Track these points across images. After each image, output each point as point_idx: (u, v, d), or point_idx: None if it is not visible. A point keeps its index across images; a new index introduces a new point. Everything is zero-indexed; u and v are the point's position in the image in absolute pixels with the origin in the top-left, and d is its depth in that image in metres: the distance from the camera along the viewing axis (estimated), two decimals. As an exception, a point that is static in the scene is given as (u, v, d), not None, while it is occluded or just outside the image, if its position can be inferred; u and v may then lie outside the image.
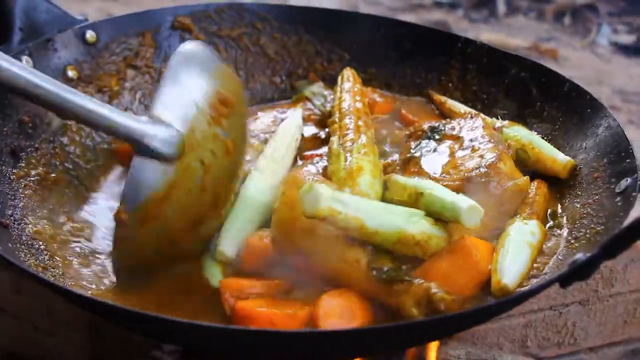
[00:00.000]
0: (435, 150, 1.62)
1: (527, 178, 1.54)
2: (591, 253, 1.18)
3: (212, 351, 1.43)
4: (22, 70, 1.32)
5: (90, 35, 1.77)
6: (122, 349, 1.69)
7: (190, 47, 1.51)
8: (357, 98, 1.74)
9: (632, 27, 4.85)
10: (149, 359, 1.63)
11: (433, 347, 1.60)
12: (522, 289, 1.32)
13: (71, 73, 1.74)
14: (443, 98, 1.86)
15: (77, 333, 1.73)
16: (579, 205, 1.50)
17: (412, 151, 1.64)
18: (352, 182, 1.48)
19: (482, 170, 1.50)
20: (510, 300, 1.24)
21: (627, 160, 1.44)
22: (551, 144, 1.67)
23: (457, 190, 1.46)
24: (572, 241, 1.41)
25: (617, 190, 1.41)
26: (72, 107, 1.33)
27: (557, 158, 1.60)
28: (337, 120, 1.67)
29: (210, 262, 1.44)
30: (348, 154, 1.54)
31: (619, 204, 1.38)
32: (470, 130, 1.63)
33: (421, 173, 1.56)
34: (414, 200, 1.42)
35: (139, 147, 1.34)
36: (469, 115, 1.69)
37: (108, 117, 1.34)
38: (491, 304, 1.31)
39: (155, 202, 1.34)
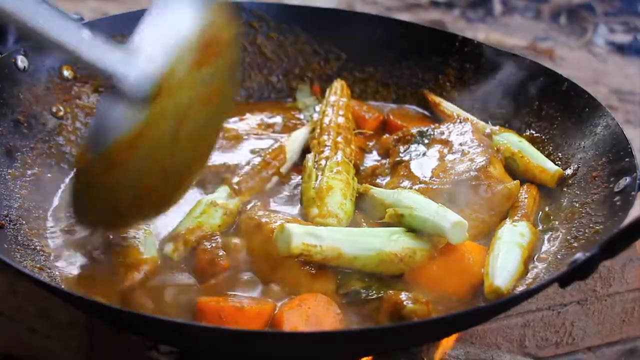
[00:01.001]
0: (424, 154, 1.62)
1: (517, 182, 1.54)
2: (590, 253, 1.18)
3: (209, 352, 1.42)
4: None
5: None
6: (118, 350, 1.68)
7: None
8: (341, 112, 1.73)
9: (629, 26, 4.86)
10: (145, 359, 1.62)
11: (440, 348, 1.59)
12: (522, 289, 1.32)
13: (67, 72, 1.73)
14: (438, 99, 1.86)
15: (74, 334, 1.72)
16: (577, 205, 1.50)
17: (401, 155, 1.64)
18: (321, 202, 1.47)
19: (473, 173, 1.50)
20: (510, 300, 1.24)
21: (626, 160, 1.44)
22: (549, 143, 1.67)
23: (448, 194, 1.47)
24: (571, 241, 1.41)
25: (615, 190, 1.41)
26: (33, 24, 1.14)
27: (545, 167, 1.60)
28: (316, 136, 1.66)
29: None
30: (320, 173, 1.53)
31: (618, 203, 1.37)
32: (460, 134, 1.63)
33: (410, 177, 1.55)
34: (395, 219, 1.42)
35: (108, 83, 1.19)
36: (458, 120, 1.69)
37: (75, 44, 1.16)
38: (492, 303, 1.31)
39: (120, 147, 1.19)
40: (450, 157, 1.58)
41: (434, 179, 1.53)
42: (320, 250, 1.31)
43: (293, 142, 1.70)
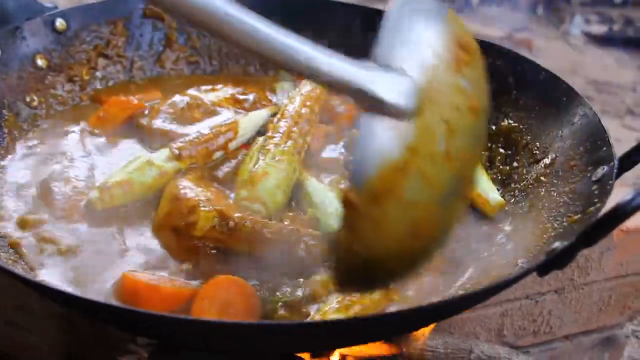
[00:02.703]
0: None
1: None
2: (568, 242, 1.18)
3: (186, 344, 1.41)
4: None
5: (59, 23, 1.74)
6: (97, 342, 1.67)
7: None
8: (308, 103, 1.70)
9: (604, 17, 4.89)
10: (124, 352, 1.61)
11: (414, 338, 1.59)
12: (500, 279, 1.32)
13: (40, 62, 1.71)
14: None
15: (52, 327, 1.70)
16: (555, 194, 1.50)
17: None
18: (252, 186, 1.46)
19: None
20: (488, 290, 1.24)
21: (603, 149, 1.44)
22: (527, 133, 1.67)
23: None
24: (549, 230, 1.41)
25: (593, 179, 1.41)
26: (276, 53, 1.03)
27: (487, 198, 1.58)
28: (274, 121, 1.65)
29: None
30: (262, 157, 1.52)
31: (596, 192, 1.37)
32: None
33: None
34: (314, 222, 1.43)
35: (366, 100, 1.02)
36: None
37: (326, 63, 1.02)
38: (470, 292, 1.31)
39: (390, 172, 1.00)
40: None
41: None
42: None
43: (249, 120, 1.67)
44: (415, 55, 1.05)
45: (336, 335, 1.21)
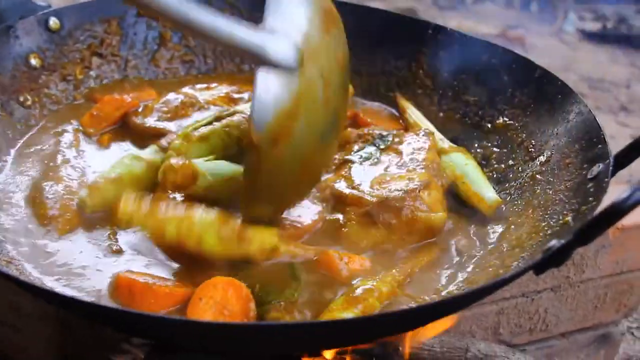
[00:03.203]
0: (374, 159, 1.60)
1: (443, 215, 1.50)
2: (565, 240, 1.17)
3: (182, 345, 1.40)
4: None
5: (53, 22, 1.73)
6: (91, 343, 1.67)
7: None
8: None
9: (598, 14, 4.90)
10: (118, 352, 1.60)
11: (410, 337, 1.59)
12: (496, 278, 1.32)
13: (34, 61, 1.70)
14: (406, 104, 1.84)
15: (45, 328, 1.70)
16: (551, 192, 1.50)
17: (351, 154, 1.63)
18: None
19: (401, 194, 1.48)
20: (485, 289, 1.24)
21: (599, 146, 1.44)
22: (522, 130, 1.67)
23: (373, 209, 1.46)
24: (545, 228, 1.41)
25: (589, 177, 1.41)
26: (187, 22, 1.24)
27: (484, 197, 1.58)
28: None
29: None
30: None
31: (592, 190, 1.37)
32: (416, 149, 1.61)
33: (347, 179, 1.54)
34: None
35: (261, 58, 1.26)
36: (422, 132, 1.67)
37: (227, 31, 1.25)
38: (466, 292, 1.31)
39: (284, 117, 1.25)
40: (394, 169, 1.56)
41: (367, 188, 1.52)
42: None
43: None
44: (295, 22, 1.30)
45: (333, 335, 1.21)
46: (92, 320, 1.45)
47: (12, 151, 1.61)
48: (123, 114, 1.71)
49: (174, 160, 1.41)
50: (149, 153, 1.53)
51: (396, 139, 1.65)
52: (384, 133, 1.67)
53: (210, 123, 1.57)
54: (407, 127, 1.79)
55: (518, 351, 1.76)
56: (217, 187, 1.43)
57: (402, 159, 1.59)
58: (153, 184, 1.49)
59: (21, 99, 1.67)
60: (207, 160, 1.46)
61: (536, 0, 4.95)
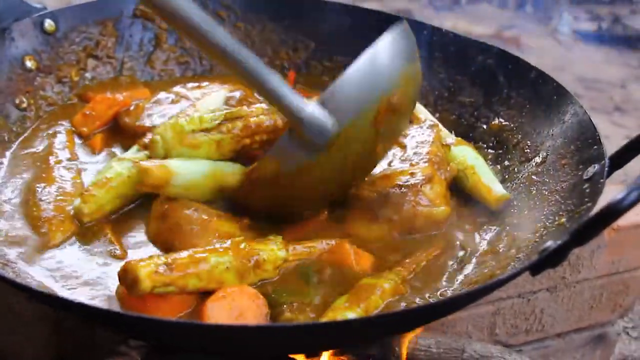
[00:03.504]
0: None
1: (445, 209, 1.51)
2: (561, 240, 1.18)
3: (179, 346, 1.40)
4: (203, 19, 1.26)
5: (48, 24, 1.73)
6: (87, 345, 1.66)
7: (401, 30, 1.41)
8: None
9: (593, 15, 4.90)
10: (115, 354, 1.60)
11: (407, 338, 1.59)
12: (493, 278, 1.32)
13: (29, 63, 1.70)
14: None
15: (41, 330, 1.69)
16: (546, 193, 1.50)
17: None
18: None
19: (402, 190, 1.49)
20: (481, 290, 1.24)
21: (594, 147, 1.44)
22: (518, 131, 1.68)
23: (374, 205, 1.47)
24: (541, 229, 1.41)
25: (584, 177, 1.41)
26: (242, 70, 1.28)
27: (493, 189, 1.58)
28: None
29: None
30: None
31: (587, 190, 1.38)
32: (420, 142, 1.61)
33: None
34: None
35: (293, 127, 1.30)
36: (426, 125, 1.67)
37: (277, 89, 1.28)
38: (463, 293, 1.31)
39: (280, 179, 1.33)
40: (396, 164, 1.56)
41: (370, 183, 1.52)
42: (174, 278, 1.27)
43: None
44: (352, 102, 1.31)
45: (331, 336, 1.21)
46: (91, 323, 1.45)
47: (8, 153, 1.61)
48: (115, 113, 1.70)
49: (145, 163, 1.41)
50: (132, 153, 1.52)
51: None
52: None
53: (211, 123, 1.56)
54: (411, 120, 1.79)
55: (514, 352, 1.76)
56: (194, 187, 1.43)
57: (405, 152, 1.59)
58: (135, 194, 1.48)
59: (17, 101, 1.67)
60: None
61: (531, 1, 4.96)
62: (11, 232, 1.41)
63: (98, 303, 1.28)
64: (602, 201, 1.20)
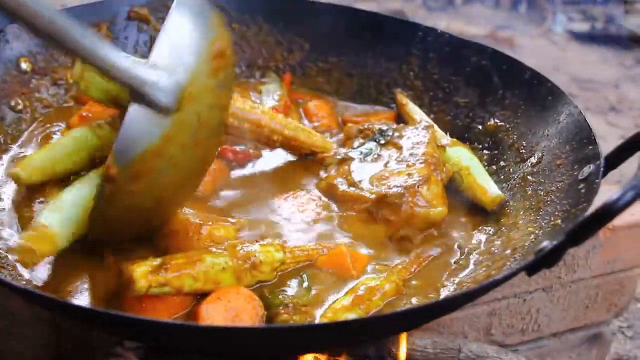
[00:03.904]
0: (374, 155, 1.61)
1: (443, 209, 1.51)
2: (557, 241, 1.18)
3: (176, 347, 1.40)
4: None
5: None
6: (84, 347, 1.66)
7: None
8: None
9: (586, 15, 4.91)
10: (111, 356, 1.60)
11: (403, 339, 1.60)
12: (489, 279, 1.32)
13: (24, 65, 1.69)
14: (405, 100, 1.85)
15: (38, 332, 1.69)
16: (542, 193, 1.50)
17: (351, 151, 1.63)
18: None
19: (400, 190, 1.49)
20: (478, 290, 1.24)
21: (590, 147, 1.45)
22: (513, 132, 1.68)
23: (372, 206, 1.48)
24: (537, 229, 1.41)
25: (580, 177, 1.41)
26: (71, 43, 1.20)
27: (488, 190, 1.58)
28: None
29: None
30: None
31: (583, 190, 1.38)
32: (415, 143, 1.62)
33: (348, 176, 1.56)
34: None
35: (137, 94, 1.23)
36: (421, 126, 1.67)
37: (108, 59, 1.22)
38: (459, 293, 1.31)
39: (149, 156, 1.23)
40: (393, 165, 1.57)
41: (366, 185, 1.53)
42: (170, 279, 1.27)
43: None
44: (183, 60, 1.26)
45: (330, 337, 1.22)
46: (88, 325, 1.45)
47: (5, 157, 1.60)
48: (112, 114, 1.70)
49: (25, 241, 1.32)
50: (78, 132, 1.53)
51: (396, 134, 1.65)
52: (384, 127, 1.68)
53: None
54: (407, 121, 1.80)
55: (510, 351, 1.76)
56: (81, 226, 1.37)
57: (401, 153, 1.60)
58: (81, 158, 1.50)
59: (12, 103, 1.67)
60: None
61: (525, 1, 4.97)
62: (8, 235, 1.41)
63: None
64: (598, 201, 1.21)
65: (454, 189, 1.61)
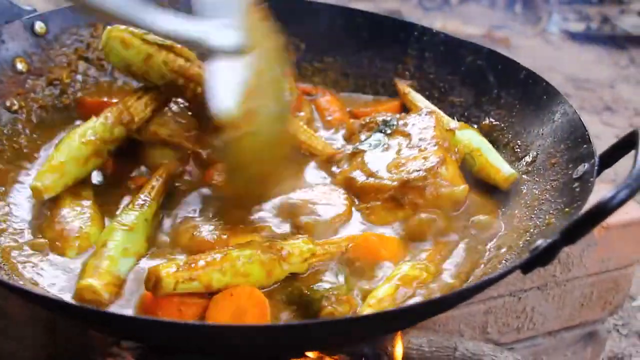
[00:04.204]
0: (384, 145, 1.62)
1: (465, 187, 1.53)
2: (551, 239, 1.18)
3: (173, 347, 1.40)
4: None
5: (39, 26, 1.73)
6: (80, 347, 1.66)
7: None
8: None
9: (582, 15, 4.92)
10: (107, 356, 1.60)
11: (399, 337, 1.60)
12: (484, 277, 1.33)
13: (20, 65, 1.69)
14: (406, 89, 1.86)
15: (33, 332, 1.69)
16: (537, 192, 1.51)
17: (360, 144, 1.64)
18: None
19: (421, 174, 1.50)
20: (473, 288, 1.25)
21: (584, 146, 1.45)
22: (509, 131, 1.69)
23: (396, 192, 1.48)
24: (532, 228, 1.42)
25: (574, 176, 1.42)
26: (130, 19, 1.33)
27: (501, 169, 1.60)
28: None
29: None
30: None
31: (577, 189, 1.39)
32: (422, 128, 1.63)
33: (363, 168, 1.56)
34: None
35: (208, 48, 1.34)
36: (424, 112, 1.68)
37: (167, 29, 1.33)
38: (455, 292, 1.32)
39: (248, 96, 1.33)
40: (406, 152, 1.58)
41: (385, 173, 1.53)
42: (195, 275, 1.27)
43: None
44: (232, 9, 1.36)
45: (335, 334, 1.22)
46: (84, 324, 1.45)
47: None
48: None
49: (93, 281, 1.30)
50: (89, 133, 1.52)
51: (400, 122, 1.66)
52: (387, 118, 1.69)
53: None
54: (410, 110, 1.80)
55: (506, 350, 1.77)
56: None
57: (411, 140, 1.60)
58: (96, 156, 1.52)
59: (7, 103, 1.67)
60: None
61: (520, 1, 4.97)
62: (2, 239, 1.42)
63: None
64: (592, 200, 1.21)
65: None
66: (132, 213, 1.42)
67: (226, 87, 1.32)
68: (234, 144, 1.35)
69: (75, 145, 1.50)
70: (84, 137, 1.51)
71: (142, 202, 1.44)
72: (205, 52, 1.35)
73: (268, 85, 1.39)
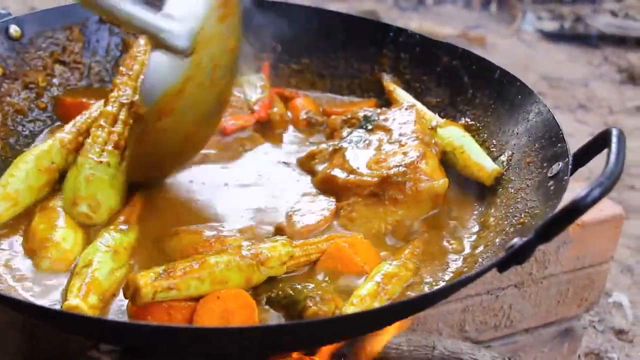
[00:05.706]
0: (365, 141, 1.63)
1: (445, 181, 1.55)
2: (527, 238, 1.20)
3: (151, 350, 1.40)
4: None
5: (14, 30, 1.71)
6: (58, 351, 1.65)
7: None
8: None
9: (555, 14, 4.97)
10: (86, 359, 1.59)
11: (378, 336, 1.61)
12: (461, 276, 1.34)
13: (-5, 69, 1.68)
14: (392, 86, 1.87)
15: (11, 337, 1.68)
16: (512, 191, 1.52)
17: (341, 141, 1.64)
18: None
19: (401, 169, 1.51)
20: (450, 287, 1.26)
21: (558, 145, 1.47)
22: (484, 130, 1.70)
23: (376, 188, 1.50)
24: (508, 226, 1.43)
25: (549, 175, 1.43)
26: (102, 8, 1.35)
27: (484, 165, 1.61)
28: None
29: None
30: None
31: (552, 188, 1.40)
32: (402, 123, 1.64)
33: (344, 165, 1.56)
34: None
35: (157, 42, 1.37)
36: (405, 106, 1.69)
37: (129, 11, 1.34)
38: (431, 291, 1.33)
39: (171, 95, 1.40)
40: (387, 147, 1.59)
41: (365, 170, 1.54)
42: (173, 283, 1.26)
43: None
44: (192, 10, 1.40)
45: (319, 334, 1.23)
46: (61, 329, 1.44)
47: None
48: None
49: (80, 303, 1.27)
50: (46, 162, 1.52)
51: (381, 117, 1.67)
52: (368, 113, 1.70)
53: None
54: (391, 102, 1.81)
55: (483, 348, 1.78)
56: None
57: (391, 135, 1.61)
58: (50, 183, 1.52)
59: (-17, 107, 1.66)
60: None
61: (495, 1, 5.01)
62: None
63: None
64: (567, 198, 1.23)
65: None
66: (114, 234, 1.41)
67: (156, 80, 1.40)
68: (147, 133, 1.44)
69: (32, 173, 1.49)
70: (40, 165, 1.51)
71: (122, 228, 1.44)
72: (154, 44, 1.39)
73: (201, 88, 1.44)
